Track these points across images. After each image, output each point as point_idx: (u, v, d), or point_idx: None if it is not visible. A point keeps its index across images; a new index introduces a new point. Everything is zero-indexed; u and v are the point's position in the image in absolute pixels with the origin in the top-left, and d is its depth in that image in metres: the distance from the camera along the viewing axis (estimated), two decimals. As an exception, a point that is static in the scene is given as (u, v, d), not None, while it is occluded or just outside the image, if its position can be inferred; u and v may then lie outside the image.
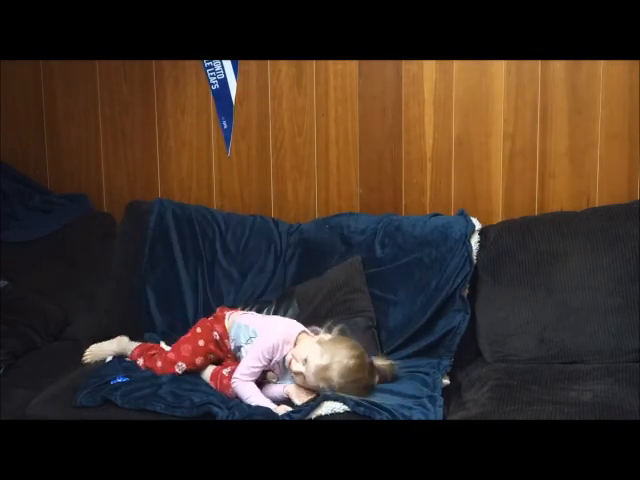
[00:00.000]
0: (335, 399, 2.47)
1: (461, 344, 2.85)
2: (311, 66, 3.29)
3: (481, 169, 3.22)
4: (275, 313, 2.98)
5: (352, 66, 3.26)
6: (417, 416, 2.42)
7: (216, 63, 3.37)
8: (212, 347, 2.79)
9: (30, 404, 2.60)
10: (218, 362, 2.82)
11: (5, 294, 3.21)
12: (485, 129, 3.19)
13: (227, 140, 3.43)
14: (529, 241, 2.95)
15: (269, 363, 2.66)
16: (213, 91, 3.40)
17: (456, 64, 3.17)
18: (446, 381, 2.75)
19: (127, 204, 3.31)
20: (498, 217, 3.21)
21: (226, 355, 2.82)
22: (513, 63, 3.13)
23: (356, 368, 2.53)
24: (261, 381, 2.68)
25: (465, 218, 3.02)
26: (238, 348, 2.78)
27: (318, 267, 3.09)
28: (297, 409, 2.50)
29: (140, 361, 2.80)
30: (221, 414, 2.44)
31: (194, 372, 2.75)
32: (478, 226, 3.01)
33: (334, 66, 3.28)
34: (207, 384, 2.71)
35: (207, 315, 2.92)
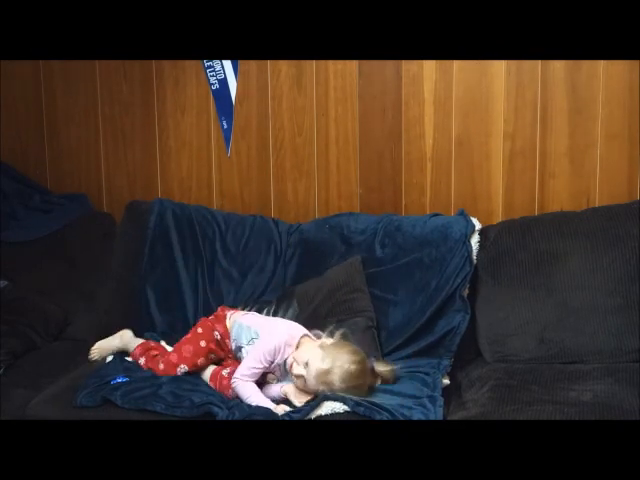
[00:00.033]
0: (335, 399, 2.47)
1: (461, 344, 2.85)
2: (311, 66, 3.29)
3: (481, 169, 3.22)
4: (275, 313, 2.98)
5: (352, 66, 3.26)
6: (417, 416, 2.42)
7: (216, 63, 3.37)
8: (213, 347, 2.79)
9: (30, 404, 2.60)
10: (218, 362, 2.82)
11: (5, 294, 3.21)
12: (485, 129, 3.19)
13: (227, 140, 3.43)
14: (529, 241, 2.95)
15: (270, 365, 2.66)
16: (213, 91, 3.40)
17: (456, 64, 3.17)
18: (446, 381, 2.75)
19: (127, 204, 3.31)
20: (498, 217, 3.21)
21: (227, 355, 2.82)
22: (513, 63, 3.13)
23: (357, 373, 2.53)
24: (261, 382, 2.68)
25: (465, 218, 3.02)
26: (239, 348, 2.78)
27: (318, 267, 3.09)
28: (297, 409, 2.51)
29: (142, 360, 2.80)
30: (221, 414, 2.44)
31: (195, 372, 2.75)
32: (478, 226, 3.01)
33: (334, 66, 3.28)
34: (207, 384, 2.71)
35: (207, 315, 2.93)
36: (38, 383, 2.72)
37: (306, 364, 2.55)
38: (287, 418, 2.45)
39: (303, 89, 3.32)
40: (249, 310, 2.96)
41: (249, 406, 2.53)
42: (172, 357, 2.74)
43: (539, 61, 3.10)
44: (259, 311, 2.97)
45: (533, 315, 2.86)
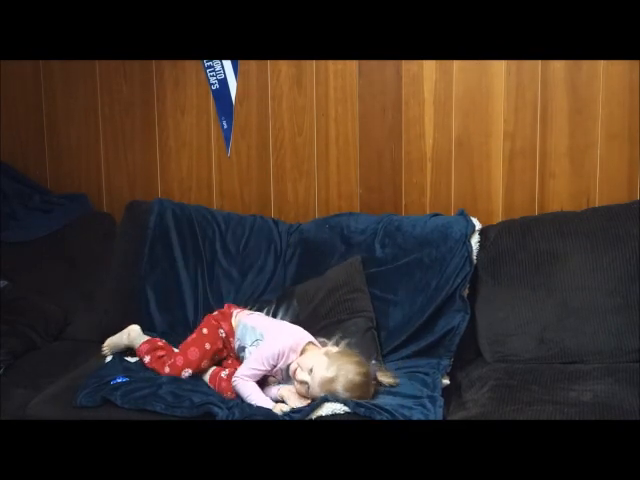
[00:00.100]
0: (335, 401, 2.47)
1: (461, 344, 2.85)
2: (311, 66, 3.29)
3: (481, 169, 3.22)
4: (275, 313, 2.98)
5: (352, 66, 3.26)
6: (417, 416, 2.42)
7: (216, 63, 3.37)
8: (219, 347, 2.78)
9: (30, 404, 2.60)
10: (219, 362, 2.82)
11: (5, 294, 3.21)
12: (485, 129, 3.19)
13: (227, 140, 3.43)
14: (529, 241, 2.95)
15: (272, 369, 2.65)
16: (213, 91, 3.40)
17: (456, 64, 3.17)
18: (446, 381, 2.75)
19: (127, 204, 3.31)
20: (498, 217, 3.21)
21: (228, 354, 2.82)
22: (513, 63, 3.13)
23: (361, 384, 2.52)
24: (261, 382, 2.67)
25: (465, 218, 3.02)
26: (242, 348, 2.78)
27: (318, 267, 3.09)
28: (297, 409, 2.50)
29: (146, 359, 2.79)
30: (221, 414, 2.44)
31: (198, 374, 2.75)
32: (478, 226, 3.01)
33: (334, 66, 3.28)
34: (207, 384, 2.71)
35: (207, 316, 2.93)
36: (38, 383, 2.72)
37: (310, 371, 2.54)
38: (287, 418, 2.45)
39: (303, 89, 3.32)
40: (254, 310, 2.96)
41: (249, 406, 2.53)
42: (178, 360, 2.73)
43: (539, 61, 3.10)
44: (259, 311, 2.97)
45: (533, 315, 2.86)
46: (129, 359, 2.87)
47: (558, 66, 3.10)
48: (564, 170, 3.16)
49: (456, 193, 3.25)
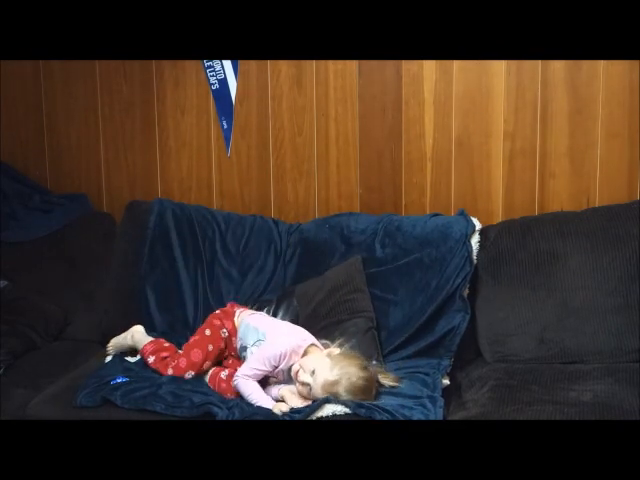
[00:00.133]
0: (337, 402, 2.47)
1: (461, 344, 2.85)
2: (311, 66, 3.29)
3: (481, 169, 3.22)
4: (275, 312, 2.99)
5: (352, 66, 3.26)
6: (417, 416, 2.42)
7: (216, 63, 3.37)
8: (221, 347, 2.79)
9: (30, 404, 2.60)
10: (219, 361, 2.82)
11: (5, 294, 3.21)
12: (485, 129, 3.19)
13: (227, 140, 3.43)
14: (529, 241, 2.95)
15: (273, 370, 2.65)
16: (213, 91, 3.40)
17: (456, 64, 3.17)
18: (446, 381, 2.75)
19: (127, 204, 3.31)
20: (498, 217, 3.21)
21: (230, 353, 2.82)
22: (513, 63, 3.12)
23: (363, 389, 2.52)
24: (262, 382, 2.67)
25: (465, 218, 3.02)
26: (244, 348, 2.78)
27: (318, 267, 3.09)
28: (298, 409, 2.50)
29: (151, 359, 2.78)
30: (221, 414, 2.44)
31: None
32: (478, 226, 3.01)
33: (334, 66, 3.28)
34: (207, 384, 2.71)
35: (207, 317, 2.92)
36: (38, 383, 2.72)
37: (313, 372, 2.54)
38: (287, 418, 2.44)
39: (303, 89, 3.32)
40: (256, 310, 2.96)
41: (249, 406, 2.53)
42: (181, 362, 2.73)
43: (539, 61, 3.10)
44: (259, 310, 2.97)
45: (533, 315, 2.86)
46: (129, 359, 2.87)
47: (558, 66, 3.10)
48: (564, 170, 3.16)
49: (456, 193, 3.25)
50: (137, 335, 2.89)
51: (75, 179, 3.60)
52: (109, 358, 2.88)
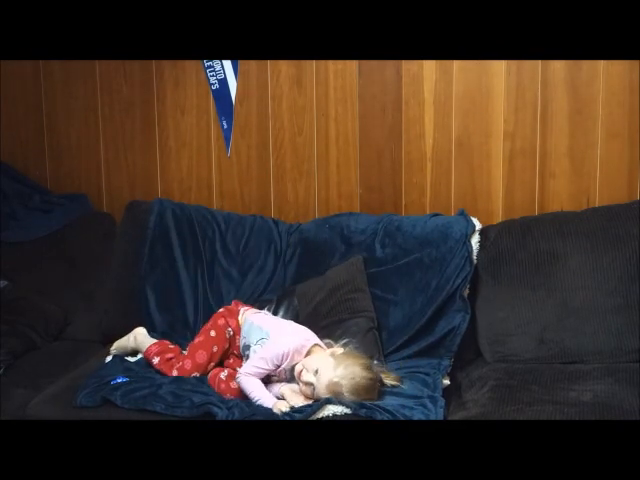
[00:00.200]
0: (338, 403, 2.47)
1: (461, 344, 2.85)
2: (311, 66, 3.29)
3: (481, 169, 3.22)
4: (275, 311, 2.98)
5: (352, 66, 3.26)
6: (418, 416, 2.42)
7: (216, 63, 3.37)
8: (226, 347, 2.79)
9: (30, 404, 2.60)
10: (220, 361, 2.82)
11: (5, 294, 3.21)
12: (485, 129, 3.19)
13: (227, 140, 3.43)
14: (529, 241, 2.95)
15: (276, 369, 2.65)
16: (213, 91, 3.40)
17: (456, 64, 3.17)
18: (446, 381, 2.75)
19: (127, 204, 3.30)
20: (498, 217, 3.21)
21: (232, 352, 2.82)
22: (513, 63, 3.12)
23: (367, 388, 2.52)
24: (265, 381, 2.67)
25: (465, 218, 3.02)
26: (247, 347, 2.78)
27: (318, 267, 3.09)
28: (298, 409, 2.50)
29: (155, 360, 2.78)
30: (221, 414, 2.44)
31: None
32: (478, 226, 3.01)
33: (334, 66, 3.28)
34: (207, 384, 2.71)
35: (207, 317, 2.93)
36: (38, 383, 2.72)
37: (316, 372, 2.54)
38: (288, 418, 2.44)
39: (303, 89, 3.32)
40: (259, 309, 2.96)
41: (249, 406, 2.53)
42: (186, 364, 2.73)
43: (539, 61, 3.10)
44: (259, 309, 2.97)
45: (533, 315, 2.86)
46: (129, 359, 2.87)
47: (558, 66, 3.10)
48: (564, 170, 3.16)
49: (456, 193, 3.25)
50: (140, 337, 2.89)
51: (75, 179, 3.60)
52: (109, 358, 2.88)
